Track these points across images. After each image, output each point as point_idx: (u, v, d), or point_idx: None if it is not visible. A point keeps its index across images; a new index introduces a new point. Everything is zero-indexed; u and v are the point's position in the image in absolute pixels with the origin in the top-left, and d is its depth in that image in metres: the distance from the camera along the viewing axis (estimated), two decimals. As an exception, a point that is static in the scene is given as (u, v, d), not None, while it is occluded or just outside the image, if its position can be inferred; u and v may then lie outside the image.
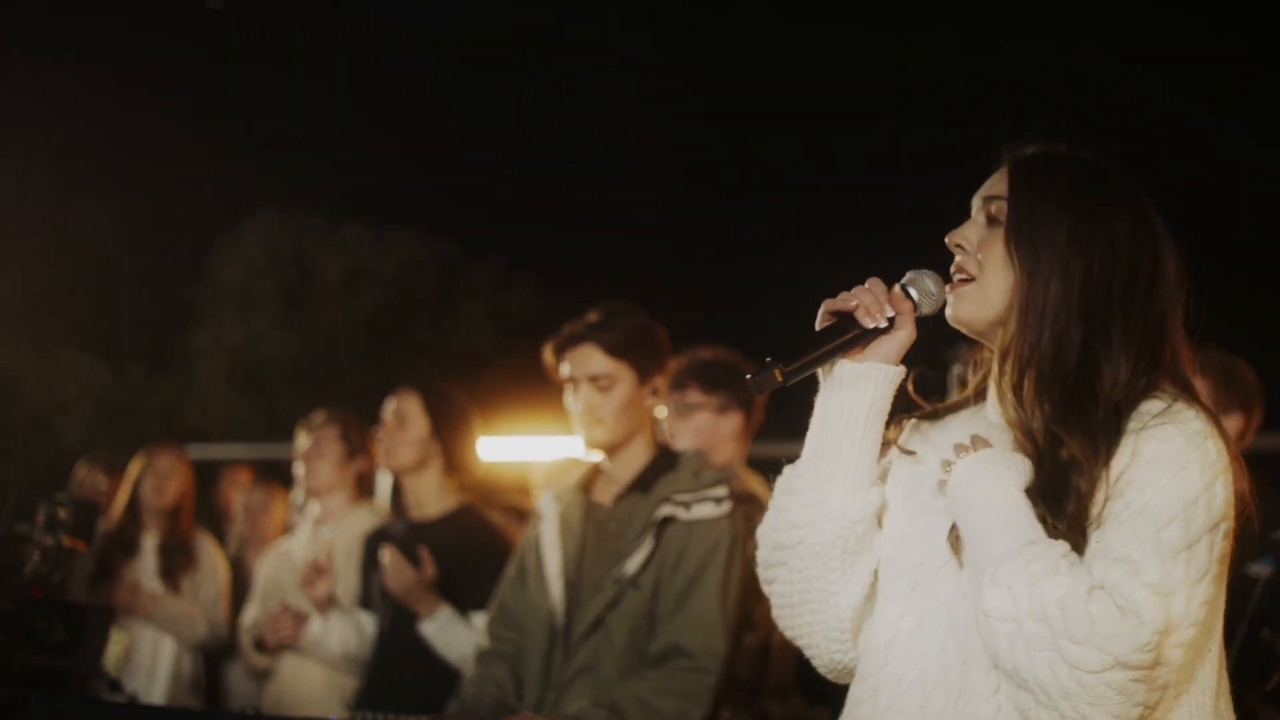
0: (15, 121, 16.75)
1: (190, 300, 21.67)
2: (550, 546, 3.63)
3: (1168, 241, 2.16)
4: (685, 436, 4.34)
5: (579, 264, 19.90)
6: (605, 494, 3.67)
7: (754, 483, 4.55)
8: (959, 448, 2.12)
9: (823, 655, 2.24)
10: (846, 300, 2.18)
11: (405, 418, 4.56)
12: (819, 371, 2.22)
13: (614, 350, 3.61)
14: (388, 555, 4.30)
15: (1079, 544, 1.98)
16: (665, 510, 3.50)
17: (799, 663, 4.59)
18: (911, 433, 2.30)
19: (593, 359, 3.61)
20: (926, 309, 2.21)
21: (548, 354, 3.72)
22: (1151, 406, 2.05)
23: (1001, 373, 2.13)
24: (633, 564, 3.48)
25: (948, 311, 2.19)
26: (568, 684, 3.48)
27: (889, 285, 2.20)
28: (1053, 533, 1.99)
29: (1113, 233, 2.11)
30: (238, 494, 6.87)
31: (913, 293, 2.20)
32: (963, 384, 2.35)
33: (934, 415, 2.31)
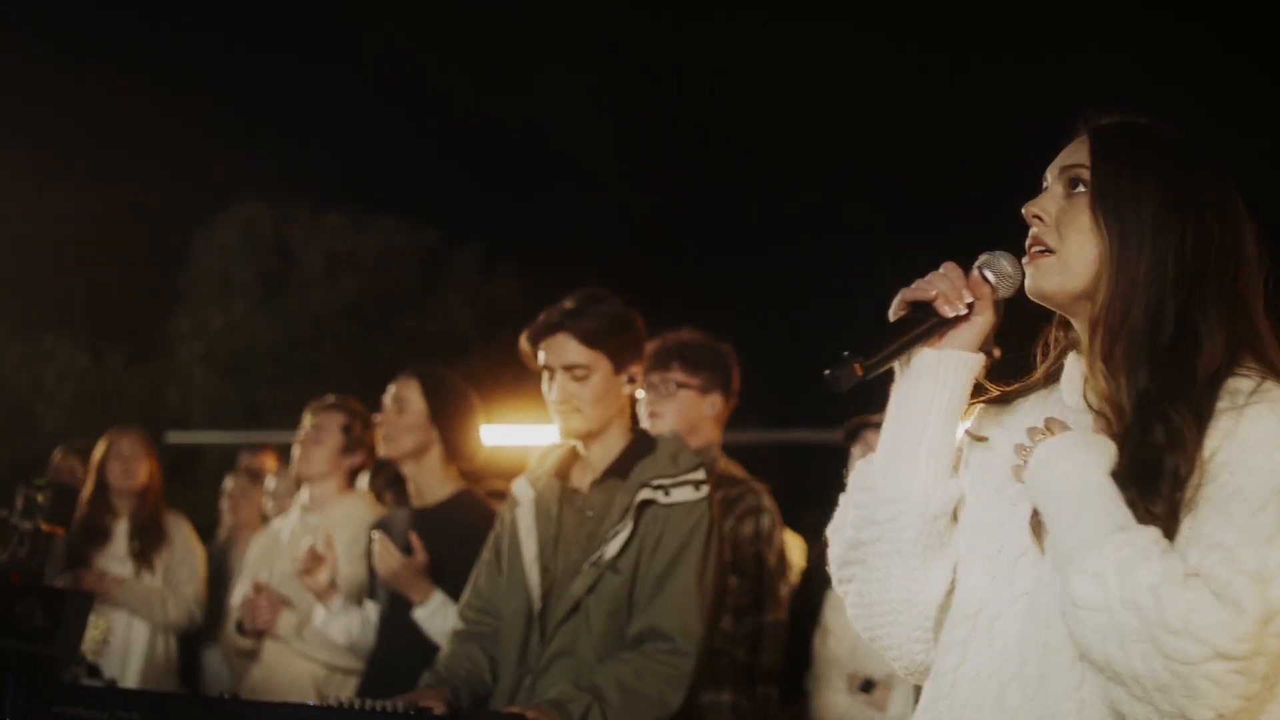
0: (-5, 107, 16.68)
1: (171, 286, 21.64)
2: (526, 532, 3.64)
3: (1248, 219, 2.08)
4: (668, 416, 4.37)
5: (560, 251, 19.89)
6: (582, 480, 3.67)
7: (733, 467, 4.59)
8: (1033, 431, 2.05)
9: (905, 656, 2.15)
10: (925, 289, 2.09)
11: (404, 403, 4.54)
12: (895, 364, 2.13)
13: (589, 339, 3.60)
14: (377, 541, 4.32)
15: (1171, 530, 1.90)
16: (644, 495, 3.50)
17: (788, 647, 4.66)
18: (981, 417, 2.21)
19: (568, 348, 3.60)
20: (1004, 291, 2.13)
21: (523, 342, 3.71)
22: (1241, 384, 1.97)
23: (1092, 344, 2.05)
24: (612, 548, 3.48)
25: (1027, 284, 2.10)
26: (545, 668, 3.50)
27: (965, 270, 2.12)
28: (1144, 518, 1.90)
29: (1201, 205, 2.03)
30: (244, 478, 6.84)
31: (990, 276, 2.12)
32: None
33: (1003, 399, 2.21)
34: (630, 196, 22.16)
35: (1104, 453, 1.95)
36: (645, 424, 4.25)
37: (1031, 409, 2.17)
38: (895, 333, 2.08)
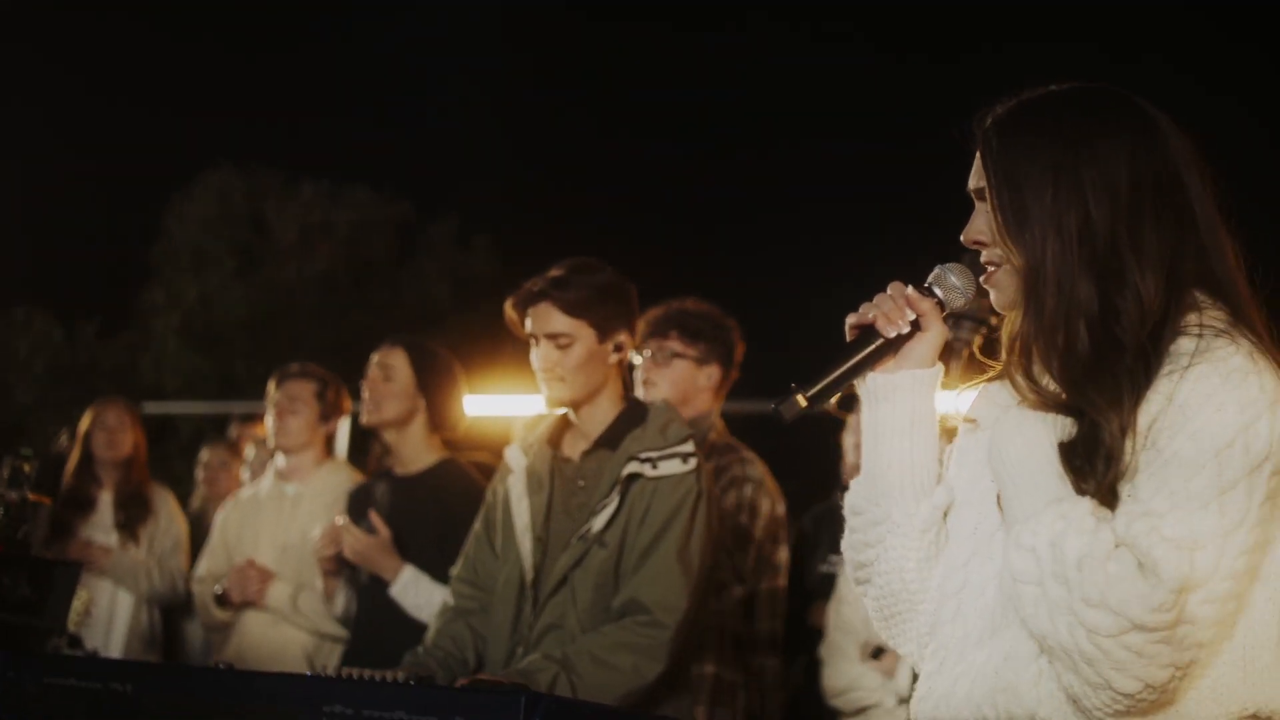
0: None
1: (145, 257, 21.53)
2: (518, 501, 3.63)
3: (1178, 139, 2.00)
4: (661, 385, 4.36)
5: (535, 222, 19.86)
6: (573, 449, 3.67)
7: (728, 436, 4.59)
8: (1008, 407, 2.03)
9: (919, 656, 2.16)
10: (865, 313, 2.10)
11: (391, 371, 4.56)
12: (856, 385, 2.14)
13: (571, 309, 3.58)
14: (339, 525, 4.33)
15: (1110, 501, 1.87)
16: (631, 468, 3.49)
17: (790, 616, 4.66)
18: (978, 398, 2.17)
19: (551, 317, 3.59)
20: (956, 303, 2.14)
21: (509, 309, 3.70)
22: (1183, 346, 1.90)
23: (1009, 358, 2.03)
24: (599, 522, 3.48)
25: (995, 301, 2.07)
26: (536, 641, 3.49)
27: (914, 286, 2.12)
28: (1081, 490, 1.88)
29: (1105, 159, 1.96)
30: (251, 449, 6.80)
31: (937, 291, 2.13)
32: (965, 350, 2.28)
33: (1002, 376, 2.14)
34: (603, 168, 22.12)
35: (1055, 426, 1.93)
36: (640, 391, 4.25)
37: None
38: (837, 360, 2.10)
